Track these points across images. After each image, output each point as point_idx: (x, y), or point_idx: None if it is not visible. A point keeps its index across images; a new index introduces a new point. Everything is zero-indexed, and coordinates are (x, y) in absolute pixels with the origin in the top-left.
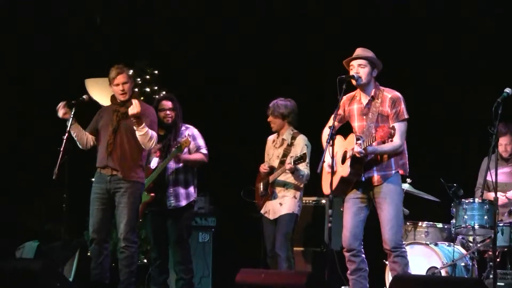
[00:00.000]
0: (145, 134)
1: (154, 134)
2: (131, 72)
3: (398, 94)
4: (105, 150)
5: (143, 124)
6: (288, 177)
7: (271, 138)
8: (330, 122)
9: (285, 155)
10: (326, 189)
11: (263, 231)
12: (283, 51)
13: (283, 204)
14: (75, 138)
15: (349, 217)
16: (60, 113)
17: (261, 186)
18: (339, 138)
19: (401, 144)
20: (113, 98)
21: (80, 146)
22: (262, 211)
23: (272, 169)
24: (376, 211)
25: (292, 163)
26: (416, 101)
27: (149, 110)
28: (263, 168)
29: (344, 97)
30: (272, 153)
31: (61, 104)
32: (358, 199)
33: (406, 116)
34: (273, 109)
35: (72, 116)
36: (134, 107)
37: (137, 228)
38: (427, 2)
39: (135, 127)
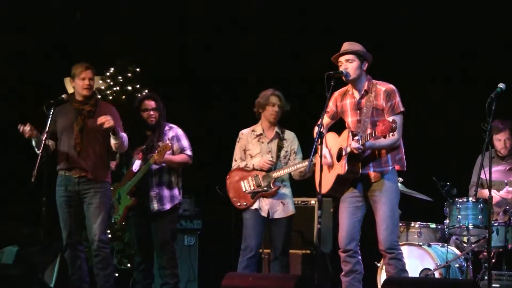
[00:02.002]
0: (122, 142)
1: (125, 136)
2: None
3: (392, 86)
4: (72, 151)
5: (120, 132)
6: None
7: (248, 132)
8: (324, 120)
9: (279, 149)
10: (323, 189)
11: (257, 229)
12: (278, 50)
13: (285, 204)
14: (37, 148)
15: (345, 216)
16: (26, 134)
17: (253, 182)
18: (331, 135)
19: (398, 138)
20: (72, 96)
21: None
22: (254, 207)
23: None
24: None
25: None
26: (408, 99)
27: (112, 110)
28: (268, 163)
29: (336, 93)
30: (259, 147)
31: (21, 127)
32: (355, 198)
33: (402, 109)
34: (284, 102)
35: (51, 116)
36: (108, 123)
37: (119, 232)
38: (428, 2)
39: (112, 137)
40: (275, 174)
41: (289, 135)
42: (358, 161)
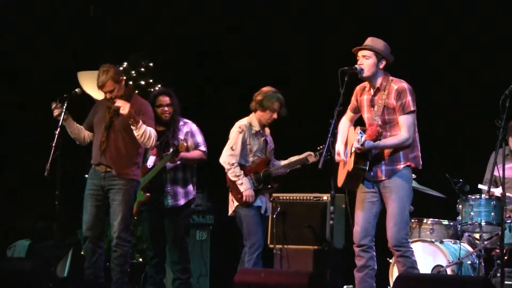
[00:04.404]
0: (144, 133)
1: (153, 131)
2: (119, 70)
3: (405, 85)
4: (98, 148)
5: (140, 122)
6: None
7: (248, 126)
8: (347, 114)
9: (266, 144)
10: (339, 183)
11: (260, 225)
12: (283, 47)
13: (268, 202)
14: (71, 135)
15: (360, 211)
16: (55, 112)
17: (254, 178)
18: (352, 130)
19: (408, 137)
20: None
21: (78, 142)
22: (257, 204)
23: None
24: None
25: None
26: (422, 95)
27: (144, 106)
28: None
29: (357, 87)
30: (258, 143)
31: (54, 104)
32: (370, 193)
33: (412, 108)
34: (284, 109)
35: (64, 110)
36: (123, 108)
37: (131, 226)
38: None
39: (132, 127)
40: (276, 171)
41: (268, 131)
42: (366, 158)
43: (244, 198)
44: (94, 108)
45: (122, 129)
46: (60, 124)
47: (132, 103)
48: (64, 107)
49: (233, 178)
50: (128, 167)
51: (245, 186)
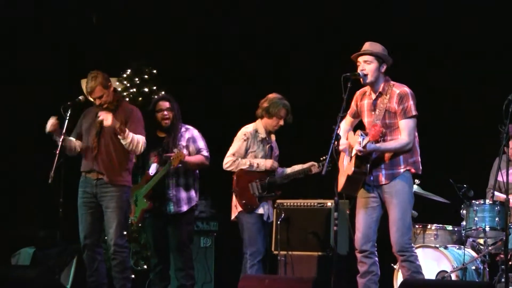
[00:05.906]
0: (131, 142)
1: (141, 138)
2: (107, 76)
3: (407, 89)
4: (89, 154)
5: (126, 131)
6: None
7: (253, 133)
8: (346, 119)
9: (271, 151)
10: (338, 188)
11: (262, 232)
12: (285, 50)
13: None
14: (64, 147)
15: (361, 217)
16: (50, 127)
17: (259, 185)
18: (351, 135)
19: (409, 141)
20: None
21: (67, 153)
22: (259, 211)
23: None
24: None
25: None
26: (426, 100)
27: (132, 112)
28: (276, 165)
29: (358, 92)
30: (263, 151)
31: (52, 120)
32: (370, 198)
33: (414, 113)
34: (290, 116)
35: (68, 118)
36: (106, 120)
37: (135, 234)
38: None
39: (119, 137)
40: (280, 179)
41: (273, 137)
42: (366, 162)
43: (270, 167)
44: (82, 116)
45: (113, 135)
46: (63, 131)
47: (120, 110)
48: (68, 114)
49: (247, 168)
50: (119, 174)
51: (261, 161)
